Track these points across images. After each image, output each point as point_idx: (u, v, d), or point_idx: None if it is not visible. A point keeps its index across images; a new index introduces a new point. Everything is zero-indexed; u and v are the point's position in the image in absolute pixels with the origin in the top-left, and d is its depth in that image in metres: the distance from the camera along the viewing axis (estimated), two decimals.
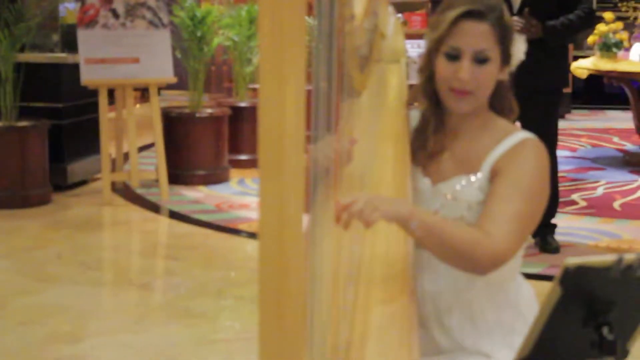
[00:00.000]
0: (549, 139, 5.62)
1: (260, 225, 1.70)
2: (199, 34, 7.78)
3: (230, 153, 8.17)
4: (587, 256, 1.68)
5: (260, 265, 1.69)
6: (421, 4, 10.33)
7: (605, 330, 1.67)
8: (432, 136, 2.40)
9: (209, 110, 8.00)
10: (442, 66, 2.31)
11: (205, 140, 7.81)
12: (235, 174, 8.12)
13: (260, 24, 1.62)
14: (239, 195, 7.50)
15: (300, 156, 1.70)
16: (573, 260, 1.67)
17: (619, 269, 1.64)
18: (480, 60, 2.28)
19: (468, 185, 2.32)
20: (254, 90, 9.10)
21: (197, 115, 7.84)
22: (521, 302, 2.40)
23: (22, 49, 7.16)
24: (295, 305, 1.67)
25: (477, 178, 2.32)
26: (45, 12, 7.35)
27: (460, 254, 2.15)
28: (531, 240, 5.84)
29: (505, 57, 2.33)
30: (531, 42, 5.37)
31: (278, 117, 1.66)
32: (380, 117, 2.52)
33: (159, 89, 10.70)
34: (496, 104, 2.41)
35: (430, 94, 2.39)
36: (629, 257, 1.64)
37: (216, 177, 7.89)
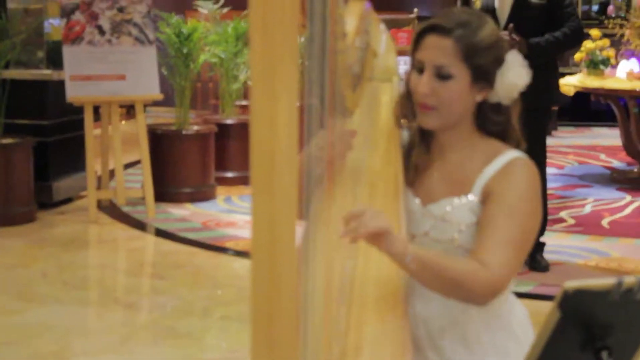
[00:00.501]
0: (538, 157, 5.60)
1: (253, 243, 1.67)
2: (185, 50, 7.74)
3: (217, 170, 8.12)
4: (587, 279, 1.64)
5: (252, 284, 1.65)
6: (408, 20, 10.34)
7: (604, 355, 1.63)
8: (416, 153, 2.38)
9: (196, 128, 7.96)
10: (411, 80, 2.31)
11: (192, 157, 7.77)
12: (221, 191, 8.08)
13: (251, 41, 1.59)
14: (226, 212, 7.45)
15: (293, 174, 1.67)
16: (572, 284, 1.63)
17: (619, 293, 1.61)
18: (442, 75, 2.24)
19: (458, 207, 2.29)
20: (241, 107, 9.08)
21: (184, 132, 7.80)
22: (514, 323, 2.37)
23: (6, 66, 7.12)
24: (287, 323, 1.64)
25: (468, 200, 2.29)
26: (30, 28, 7.30)
27: (457, 286, 2.12)
28: None
29: (479, 77, 2.26)
30: None
31: (270, 134, 1.63)
32: (372, 136, 2.49)
33: (145, 105, 10.69)
34: (482, 127, 2.35)
35: (410, 110, 2.36)
36: (629, 280, 1.61)
37: (203, 195, 7.84)
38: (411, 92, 2.31)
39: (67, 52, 6.99)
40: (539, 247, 5.78)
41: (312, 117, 1.99)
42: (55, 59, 7.38)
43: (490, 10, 5.45)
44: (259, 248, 1.66)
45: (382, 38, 2.73)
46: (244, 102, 9.22)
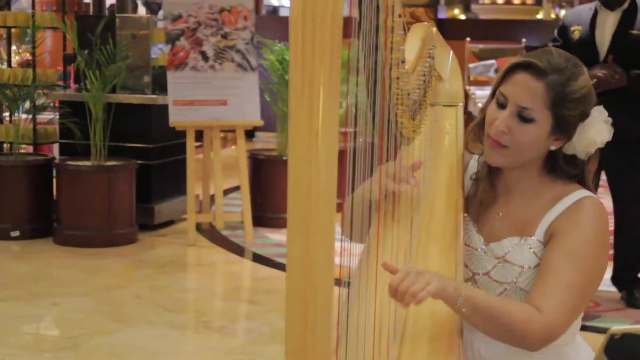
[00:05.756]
0: (638, 189, 5.46)
1: (288, 280, 1.66)
2: (287, 77, 7.79)
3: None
4: (634, 324, 1.59)
5: (286, 323, 1.65)
6: (516, 50, 10.24)
7: None
8: (483, 185, 2.34)
9: None
10: (490, 111, 2.25)
11: None
12: None
13: (291, 77, 1.59)
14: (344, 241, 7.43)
15: (330, 211, 1.66)
16: (619, 328, 1.59)
17: None
18: (523, 117, 2.18)
19: (521, 248, 2.23)
20: (343, 133, 9.08)
21: (284, 158, 7.84)
22: None
23: (114, 90, 7.27)
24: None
25: (532, 242, 2.23)
26: (135, 54, 7.45)
27: (510, 332, 2.07)
28: (617, 295, 5.67)
29: (560, 127, 2.19)
30: (617, 91, 5.28)
31: (308, 171, 1.62)
32: (435, 163, 2.46)
33: (255, 130, 10.82)
34: (552, 174, 2.29)
35: (482, 139, 2.32)
36: None
37: None
38: (486, 122, 2.27)
39: (171, 77, 7.12)
40: (637, 282, 5.63)
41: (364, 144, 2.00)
42: (161, 84, 7.52)
43: (590, 42, 5.36)
44: (293, 286, 1.65)
45: (447, 62, 2.69)
46: (344, 129, 9.23)
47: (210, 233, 7.52)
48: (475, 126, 2.36)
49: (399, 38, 2.09)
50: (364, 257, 2.23)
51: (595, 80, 5.15)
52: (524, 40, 10.52)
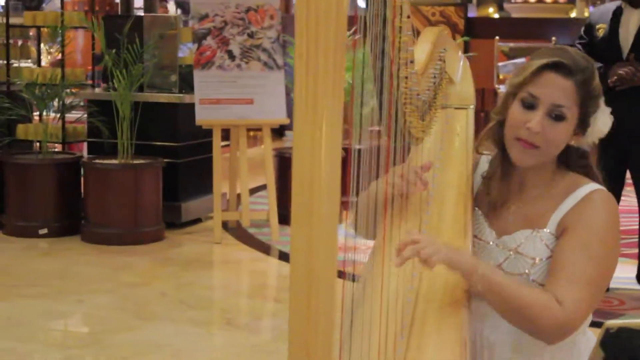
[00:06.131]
0: None
1: (291, 272, 1.68)
2: None
3: (344, 195, 8.12)
4: (630, 318, 1.59)
5: (290, 313, 1.66)
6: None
7: None
8: (497, 185, 2.35)
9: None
10: (515, 113, 2.25)
11: None
12: (348, 215, 8.07)
13: (296, 73, 1.60)
14: (351, 237, 7.43)
15: (333, 204, 1.67)
16: (615, 322, 1.59)
17: None
18: (555, 116, 2.21)
19: (533, 240, 2.26)
20: (372, 132, 9.09)
21: None
22: (587, 357, 2.29)
23: (141, 89, 7.32)
24: (322, 354, 1.65)
25: (544, 234, 2.26)
26: (161, 53, 7.49)
27: (524, 315, 2.10)
28: None
29: (583, 123, 2.25)
30: (637, 89, 5.23)
31: (310, 164, 1.64)
32: (444, 164, 2.46)
33: (284, 129, 10.85)
34: (564, 167, 2.33)
35: (498, 140, 2.33)
36: None
37: None
38: (509, 125, 2.27)
39: (198, 76, 7.15)
40: None
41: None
42: (188, 82, 7.55)
43: (614, 40, 5.33)
44: (297, 276, 1.66)
45: (459, 65, 2.70)
46: (376, 128, 9.22)
47: (236, 231, 7.55)
48: (491, 129, 2.36)
49: (407, 38, 2.11)
50: (371, 256, 2.25)
51: (616, 77, 5.13)
52: (553, 38, 10.47)
